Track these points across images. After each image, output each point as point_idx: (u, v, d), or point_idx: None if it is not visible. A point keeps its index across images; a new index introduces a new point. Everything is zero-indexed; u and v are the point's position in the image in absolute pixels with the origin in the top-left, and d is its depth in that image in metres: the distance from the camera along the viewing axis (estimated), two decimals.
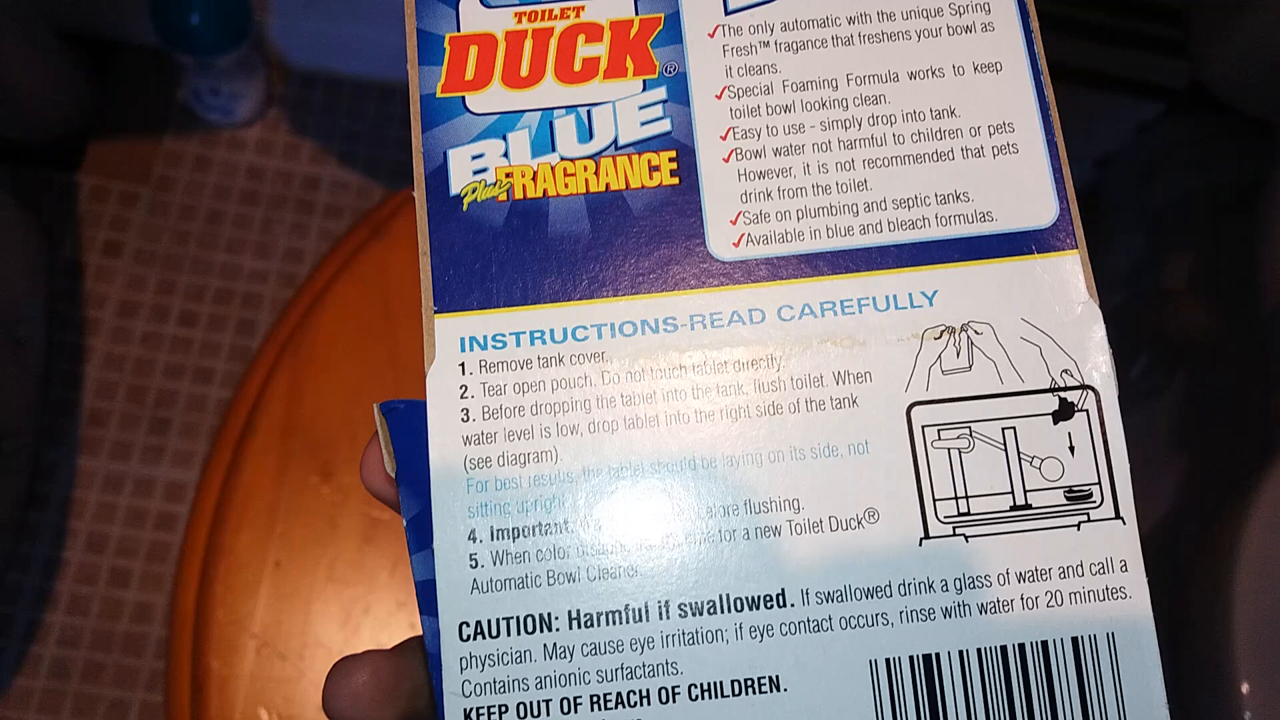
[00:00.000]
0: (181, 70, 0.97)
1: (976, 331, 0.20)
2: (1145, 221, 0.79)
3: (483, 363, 0.20)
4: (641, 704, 0.18)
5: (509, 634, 0.19)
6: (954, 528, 0.19)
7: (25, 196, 0.95)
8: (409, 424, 0.19)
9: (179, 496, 0.91)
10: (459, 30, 0.21)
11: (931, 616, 0.19)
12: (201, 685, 0.52)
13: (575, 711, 0.18)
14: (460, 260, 0.20)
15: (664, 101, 0.21)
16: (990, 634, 0.19)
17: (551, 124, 0.21)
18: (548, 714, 0.18)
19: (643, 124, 0.21)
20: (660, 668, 0.18)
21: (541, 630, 0.19)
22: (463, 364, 0.20)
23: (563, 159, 0.21)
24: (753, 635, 0.19)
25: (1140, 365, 0.74)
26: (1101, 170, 0.88)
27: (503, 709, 0.18)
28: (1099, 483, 0.19)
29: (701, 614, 0.19)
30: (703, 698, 0.18)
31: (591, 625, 0.19)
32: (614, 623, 0.19)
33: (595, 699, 0.18)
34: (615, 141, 0.21)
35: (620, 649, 0.19)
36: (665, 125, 0.21)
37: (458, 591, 0.19)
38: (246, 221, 0.97)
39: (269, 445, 0.56)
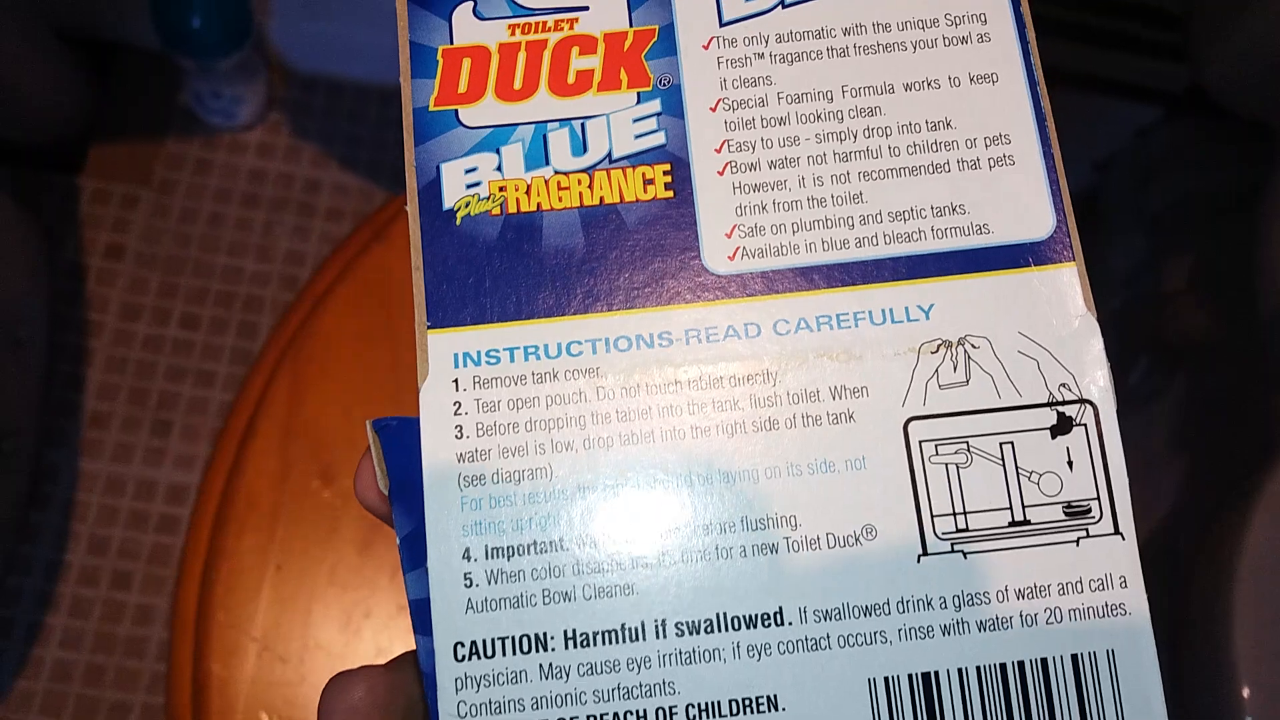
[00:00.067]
0: (183, 73, 0.97)
1: (973, 345, 0.20)
2: (1144, 224, 0.79)
3: (476, 379, 0.19)
4: None
5: (504, 654, 0.18)
6: (952, 544, 0.19)
7: (27, 199, 0.95)
8: (402, 441, 0.19)
9: (180, 499, 0.91)
10: (452, 43, 0.21)
11: (930, 634, 0.19)
12: (202, 688, 0.52)
13: None
14: (454, 275, 0.20)
15: (658, 114, 0.21)
16: (989, 651, 0.19)
17: (545, 137, 0.21)
18: None
19: (637, 137, 0.21)
20: (657, 687, 0.18)
21: (537, 650, 0.18)
22: (456, 380, 0.19)
23: (557, 172, 0.20)
24: (750, 654, 0.18)
25: (1140, 367, 0.74)
26: (1100, 173, 0.88)
27: None
28: (1098, 498, 0.19)
29: (699, 633, 0.19)
30: (700, 718, 0.18)
31: (588, 645, 0.18)
32: (610, 642, 0.19)
33: (591, 719, 0.18)
34: (609, 155, 0.21)
35: (617, 669, 0.18)
36: (660, 138, 0.21)
37: (452, 611, 0.19)
38: (248, 224, 0.97)
39: (270, 448, 0.56)
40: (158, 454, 0.91)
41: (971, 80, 0.21)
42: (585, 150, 0.20)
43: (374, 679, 0.19)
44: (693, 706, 0.18)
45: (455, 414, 0.19)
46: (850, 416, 0.19)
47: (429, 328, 0.20)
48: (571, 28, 0.21)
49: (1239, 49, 0.67)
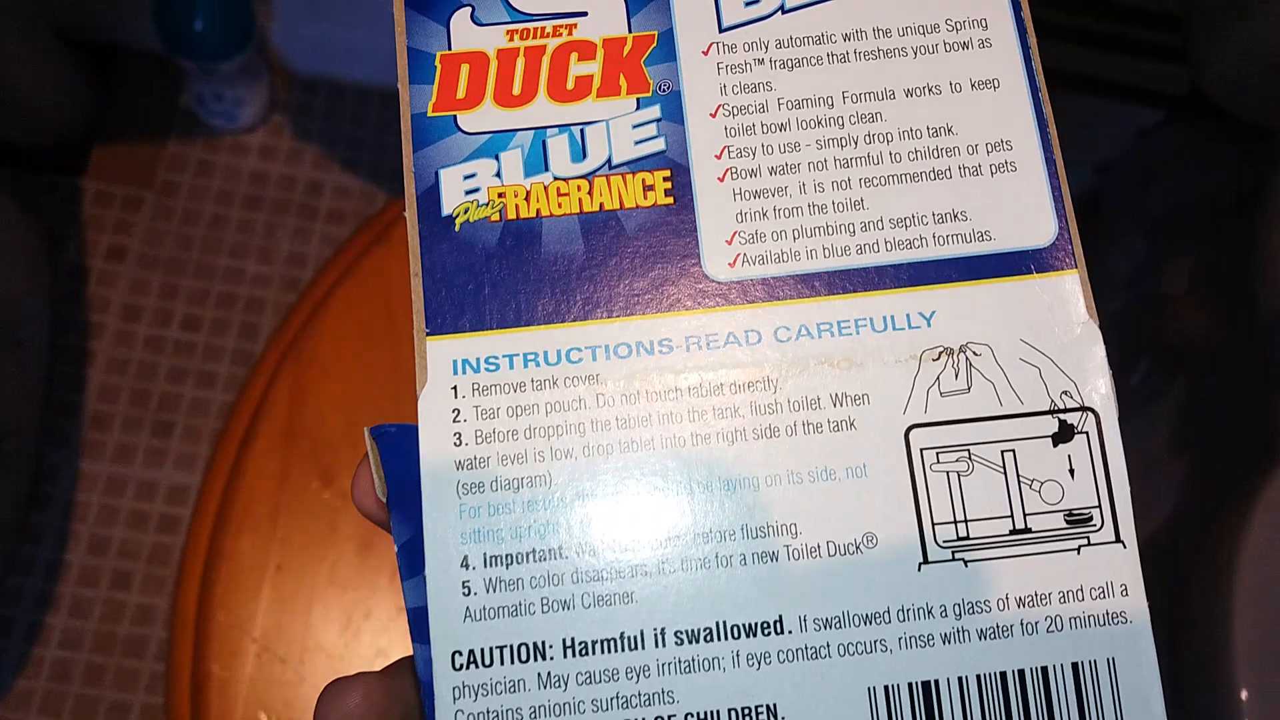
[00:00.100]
0: (185, 75, 0.97)
1: (975, 353, 0.20)
2: (1145, 226, 0.79)
3: (475, 386, 0.19)
4: None
5: (503, 663, 0.18)
6: (953, 552, 0.19)
7: (29, 201, 0.95)
8: (400, 448, 0.19)
9: (181, 500, 0.91)
10: (450, 48, 0.21)
11: (930, 643, 0.19)
12: (202, 688, 0.52)
13: None
14: (453, 281, 0.20)
15: (658, 120, 0.21)
16: (990, 660, 0.19)
17: (544, 143, 0.21)
18: None
19: (637, 143, 0.20)
20: (656, 696, 0.18)
21: (536, 659, 0.18)
22: (455, 387, 0.19)
23: (556, 178, 0.20)
24: (750, 663, 0.18)
25: (1141, 369, 0.74)
26: (1101, 176, 0.88)
27: None
28: (1099, 506, 0.19)
29: (698, 641, 0.18)
30: None
31: (587, 654, 0.18)
32: (609, 651, 0.18)
33: None
34: (609, 161, 0.20)
35: (616, 678, 0.18)
36: (659, 144, 0.21)
37: (450, 620, 0.18)
38: (250, 226, 0.97)
39: (271, 449, 0.56)
40: (158, 455, 0.92)
41: (973, 86, 0.21)
42: (585, 156, 0.20)
43: (370, 686, 0.19)
44: (692, 715, 0.18)
45: (454, 421, 0.19)
46: (851, 424, 0.19)
47: (428, 334, 0.20)
48: (570, 33, 0.21)
49: (1239, 51, 0.67)
